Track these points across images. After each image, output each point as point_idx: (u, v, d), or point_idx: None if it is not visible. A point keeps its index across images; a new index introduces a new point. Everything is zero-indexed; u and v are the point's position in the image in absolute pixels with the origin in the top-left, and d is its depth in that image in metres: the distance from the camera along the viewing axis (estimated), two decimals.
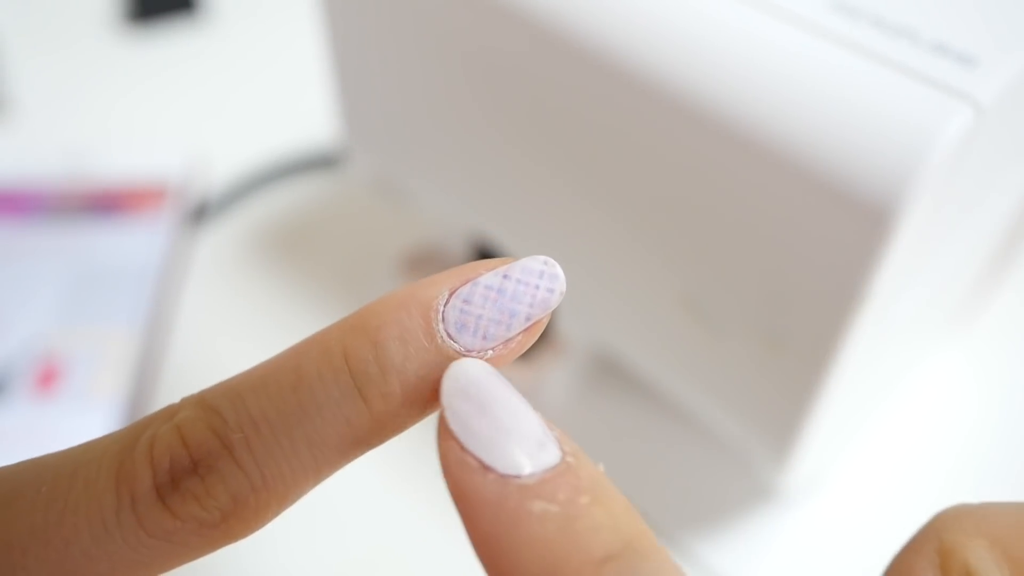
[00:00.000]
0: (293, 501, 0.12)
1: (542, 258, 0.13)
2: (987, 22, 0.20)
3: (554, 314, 0.33)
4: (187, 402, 0.12)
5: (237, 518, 0.12)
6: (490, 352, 0.12)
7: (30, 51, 0.51)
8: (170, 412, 0.12)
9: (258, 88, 0.49)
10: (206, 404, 0.12)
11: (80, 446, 0.12)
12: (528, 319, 0.12)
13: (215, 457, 0.12)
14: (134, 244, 0.39)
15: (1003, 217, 0.27)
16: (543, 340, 0.34)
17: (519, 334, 0.12)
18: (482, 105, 0.26)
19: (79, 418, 0.33)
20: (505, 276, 0.12)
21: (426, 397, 0.12)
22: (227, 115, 0.48)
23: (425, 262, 0.39)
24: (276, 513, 0.12)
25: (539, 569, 0.10)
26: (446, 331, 0.12)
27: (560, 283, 0.12)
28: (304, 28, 0.49)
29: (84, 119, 0.48)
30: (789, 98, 0.19)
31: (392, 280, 0.39)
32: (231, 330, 0.38)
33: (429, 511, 0.32)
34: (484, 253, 0.34)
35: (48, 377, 0.35)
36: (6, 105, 0.48)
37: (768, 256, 0.21)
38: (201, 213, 0.42)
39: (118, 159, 0.43)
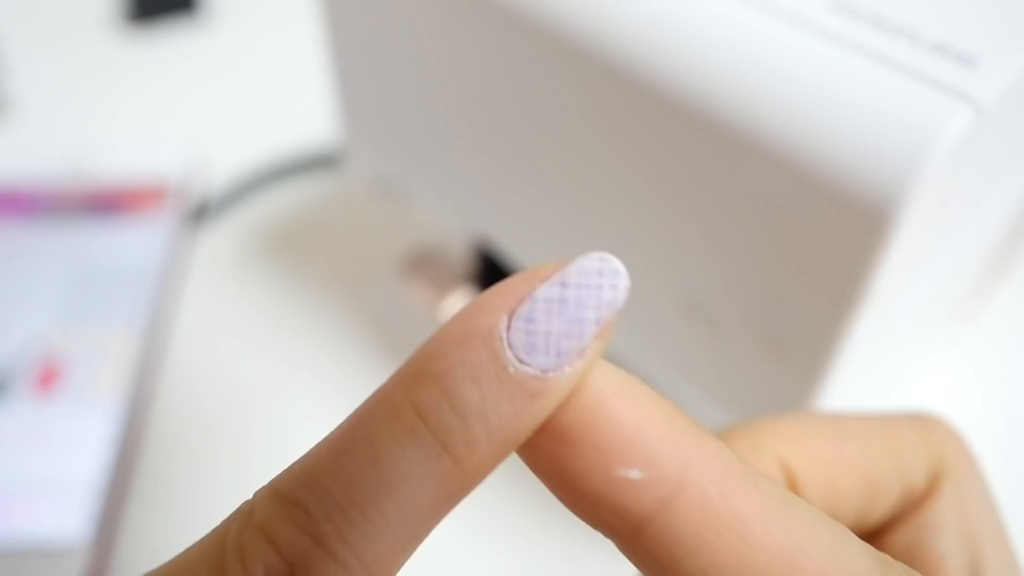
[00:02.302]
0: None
1: (597, 255, 0.11)
2: (987, 22, 0.20)
3: None
4: (261, 497, 0.11)
5: None
6: (567, 368, 0.11)
7: (30, 51, 0.51)
8: (247, 513, 0.11)
9: (258, 88, 0.49)
10: (284, 498, 0.11)
11: (168, 569, 0.11)
12: (598, 323, 0.11)
13: (311, 557, 0.11)
14: (134, 244, 0.39)
15: (1003, 217, 0.27)
16: None
17: (593, 341, 0.11)
18: (483, 105, 0.26)
19: (79, 418, 0.33)
20: (563, 284, 0.11)
21: (512, 433, 0.11)
22: (227, 115, 0.48)
23: (425, 262, 0.39)
24: None
25: None
26: (516, 357, 0.11)
27: (623, 278, 0.11)
28: (304, 28, 0.49)
29: (84, 119, 0.48)
30: (789, 98, 0.19)
31: (393, 280, 0.39)
32: (231, 330, 0.38)
33: None
34: (485, 254, 0.34)
35: (48, 377, 0.35)
36: (6, 105, 0.48)
37: (768, 256, 0.21)
38: (201, 213, 0.42)
39: (118, 159, 0.43)
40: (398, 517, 0.11)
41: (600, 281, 0.11)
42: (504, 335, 0.11)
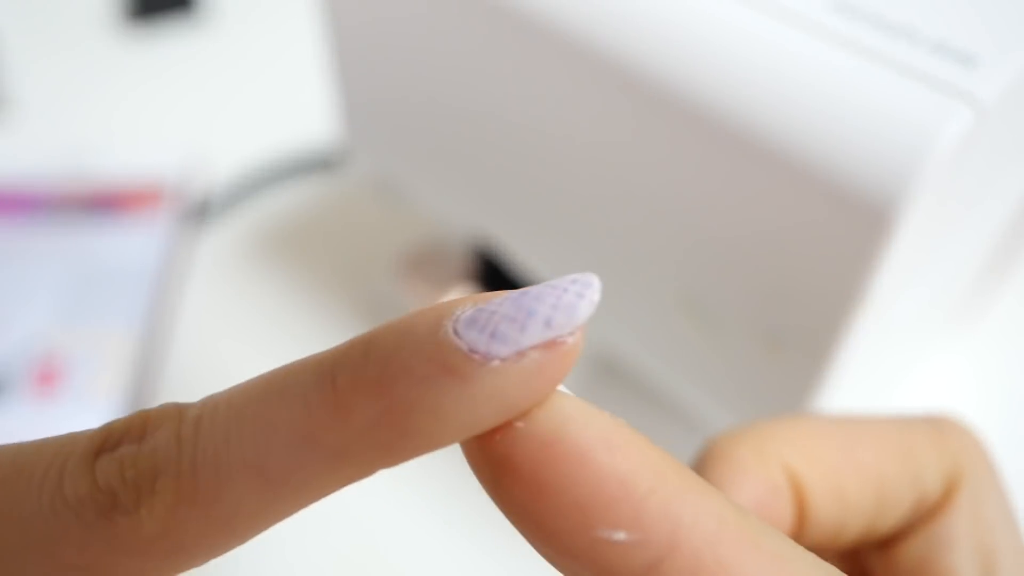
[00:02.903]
0: (222, 523, 0.10)
1: (580, 272, 0.11)
2: (987, 22, 0.20)
3: None
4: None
5: (150, 509, 0.10)
6: (496, 362, 0.10)
7: (30, 51, 0.51)
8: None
9: (258, 88, 0.49)
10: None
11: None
12: (548, 324, 0.10)
13: (162, 426, 0.11)
14: (134, 244, 0.39)
15: (1003, 217, 0.27)
16: None
17: (536, 348, 0.10)
18: (483, 104, 0.26)
19: (79, 418, 0.33)
20: (533, 285, 0.11)
21: (410, 401, 0.10)
22: (227, 115, 0.48)
23: (425, 262, 0.39)
24: (198, 528, 0.10)
25: None
26: (453, 327, 0.10)
27: (593, 290, 0.11)
28: (304, 28, 0.49)
29: (84, 119, 0.48)
30: (789, 98, 0.19)
31: (393, 280, 0.39)
32: (231, 330, 0.38)
33: (428, 513, 0.32)
34: (485, 254, 0.34)
35: (48, 377, 0.35)
36: (6, 105, 0.48)
37: (768, 256, 0.21)
38: (201, 213, 0.42)
39: (118, 159, 0.43)
40: (251, 427, 0.10)
41: (568, 286, 0.11)
42: (458, 312, 0.10)
